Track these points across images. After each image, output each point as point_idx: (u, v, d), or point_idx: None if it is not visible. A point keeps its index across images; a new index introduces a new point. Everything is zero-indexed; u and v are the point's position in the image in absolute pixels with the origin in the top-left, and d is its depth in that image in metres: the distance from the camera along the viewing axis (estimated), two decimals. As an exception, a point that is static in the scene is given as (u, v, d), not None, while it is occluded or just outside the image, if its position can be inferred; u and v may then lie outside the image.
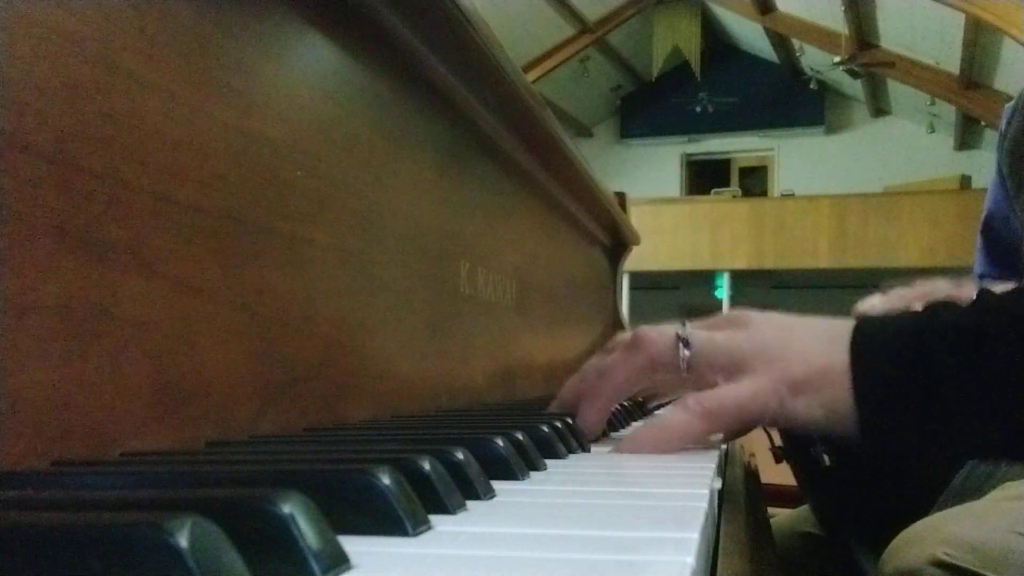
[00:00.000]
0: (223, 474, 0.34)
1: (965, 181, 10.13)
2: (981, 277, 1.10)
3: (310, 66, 0.63)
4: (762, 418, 0.57)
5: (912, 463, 0.86)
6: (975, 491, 0.74)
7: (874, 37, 9.55)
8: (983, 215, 1.08)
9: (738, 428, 0.63)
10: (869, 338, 0.55)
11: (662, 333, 0.61)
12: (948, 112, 10.41)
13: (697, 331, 0.60)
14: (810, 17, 9.56)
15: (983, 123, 9.84)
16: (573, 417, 0.63)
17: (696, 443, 0.58)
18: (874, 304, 0.90)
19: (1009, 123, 1.00)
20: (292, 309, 0.58)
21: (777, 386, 0.55)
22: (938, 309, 0.55)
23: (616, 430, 0.74)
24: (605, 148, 12.35)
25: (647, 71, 11.65)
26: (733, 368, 0.57)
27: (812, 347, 0.56)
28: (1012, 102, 1.02)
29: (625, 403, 0.86)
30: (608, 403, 0.65)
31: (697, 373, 0.59)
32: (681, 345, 0.59)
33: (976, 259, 1.11)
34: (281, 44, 0.58)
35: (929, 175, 10.63)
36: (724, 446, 0.68)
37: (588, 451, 0.60)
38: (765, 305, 0.65)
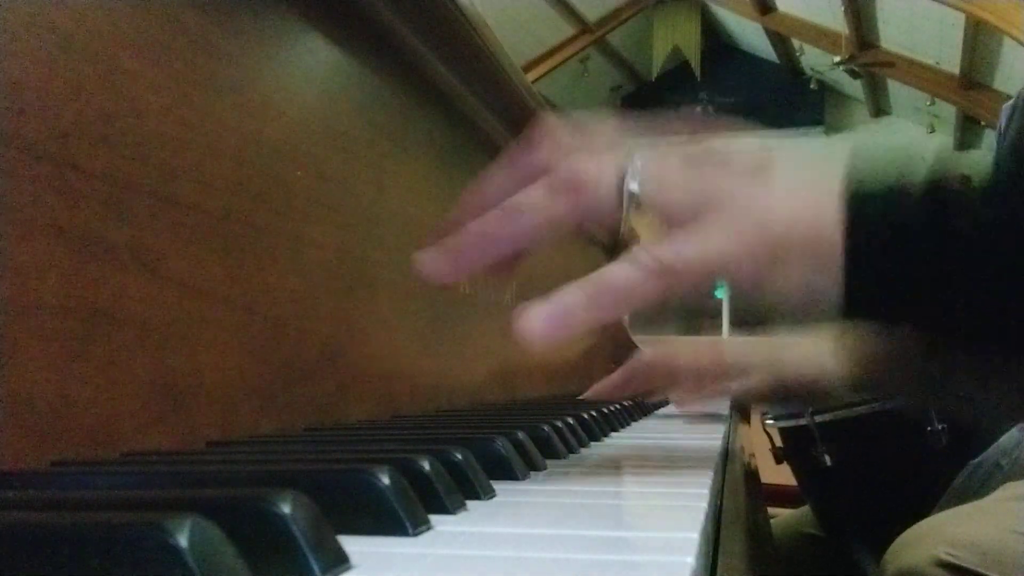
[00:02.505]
0: (223, 474, 0.34)
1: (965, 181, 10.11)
2: None
3: (310, 66, 0.63)
4: (728, 279, 0.43)
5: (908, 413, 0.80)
6: (976, 491, 0.74)
7: (874, 37, 9.55)
8: None
9: (694, 293, 0.44)
10: (867, 194, 0.41)
11: (601, 172, 0.44)
12: (948, 112, 10.40)
13: (647, 173, 0.44)
14: (810, 17, 9.56)
15: (983, 123, 9.83)
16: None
17: (640, 306, 0.43)
18: None
19: (1009, 122, 1.00)
20: (292, 309, 0.58)
21: (753, 246, 0.41)
22: (948, 177, 0.42)
23: (615, 430, 0.74)
24: (605, 148, 12.33)
25: (647, 71, 11.65)
26: (695, 214, 0.43)
27: (798, 195, 0.42)
28: (1011, 101, 1.02)
29: (625, 402, 0.86)
30: (495, 247, 0.46)
31: (642, 219, 0.44)
32: (628, 180, 0.43)
33: None
34: (281, 44, 0.58)
35: (929, 175, 10.60)
36: (725, 445, 0.68)
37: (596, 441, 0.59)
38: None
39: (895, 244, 0.40)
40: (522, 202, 0.45)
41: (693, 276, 0.42)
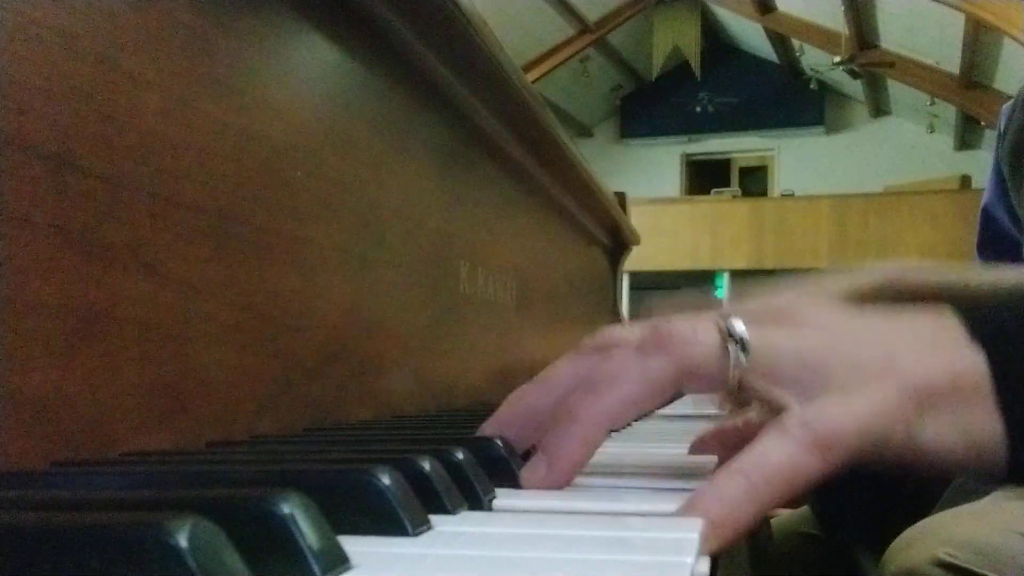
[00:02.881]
0: (223, 474, 0.34)
1: (965, 181, 10.13)
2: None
3: (310, 66, 0.63)
4: (885, 453, 0.38)
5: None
6: (977, 491, 0.74)
7: (874, 37, 9.55)
8: (982, 202, 1.09)
9: (844, 469, 0.38)
10: (998, 327, 0.39)
11: (698, 329, 0.40)
12: (948, 112, 10.41)
13: (751, 329, 0.40)
14: (810, 17, 9.56)
15: (983, 123, 9.83)
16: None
17: (803, 491, 0.37)
18: None
19: (1009, 122, 1.00)
20: (292, 309, 0.58)
21: (902, 401, 0.38)
22: None
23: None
24: (605, 148, 12.35)
25: (647, 71, 11.65)
26: (815, 384, 0.39)
27: (923, 347, 0.39)
28: (1011, 101, 1.02)
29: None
30: (599, 431, 0.41)
31: (751, 389, 0.40)
32: (735, 348, 0.40)
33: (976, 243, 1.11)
34: (281, 44, 0.58)
35: (929, 175, 10.62)
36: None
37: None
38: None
39: None
40: (614, 368, 0.41)
41: (850, 447, 0.37)
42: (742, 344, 0.40)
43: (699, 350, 0.40)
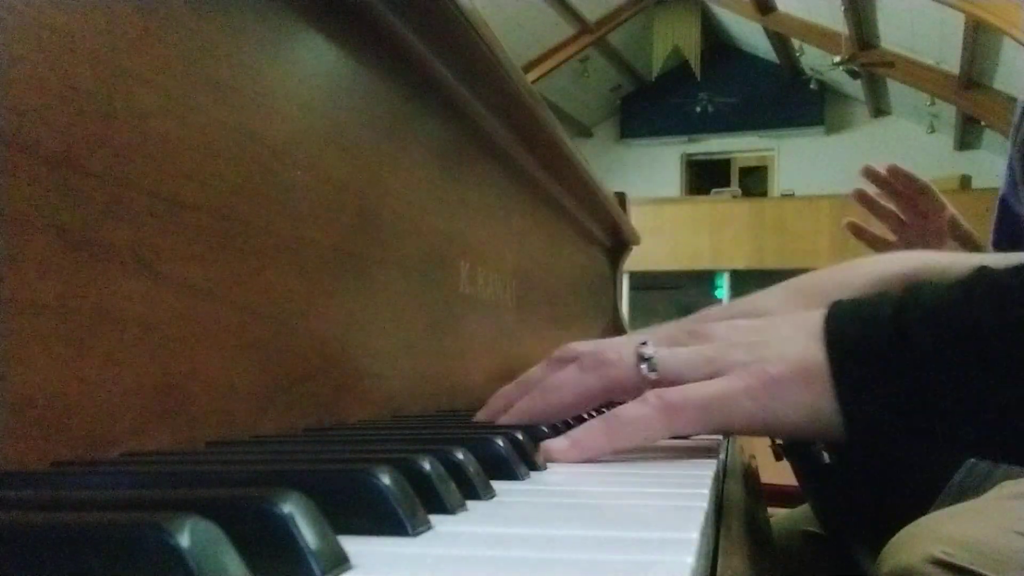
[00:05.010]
0: (223, 474, 0.34)
1: (965, 181, 10.12)
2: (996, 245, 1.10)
3: (310, 66, 0.63)
4: (733, 422, 0.50)
5: (910, 461, 0.82)
6: (974, 490, 0.74)
7: (874, 37, 9.55)
8: (1000, 193, 1.08)
9: (703, 431, 0.53)
10: (843, 327, 0.48)
11: (621, 353, 0.55)
12: (948, 112, 10.41)
13: (660, 349, 0.54)
14: (810, 17, 9.55)
15: (983, 123, 9.84)
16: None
17: (651, 443, 0.52)
18: None
19: (1022, 118, 0.99)
20: (292, 309, 0.58)
21: (751, 386, 0.49)
22: (922, 288, 0.48)
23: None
24: (605, 148, 12.35)
25: (647, 71, 11.65)
26: (703, 375, 0.51)
27: (787, 345, 0.50)
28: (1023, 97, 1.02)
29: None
30: (542, 417, 0.57)
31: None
32: (644, 367, 0.53)
33: (992, 231, 1.11)
34: (281, 44, 0.58)
35: (929, 175, 10.47)
36: (725, 446, 0.68)
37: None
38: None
39: (870, 360, 0.47)
40: (560, 379, 0.57)
41: (694, 414, 0.50)
42: (650, 363, 0.53)
43: (619, 370, 0.54)
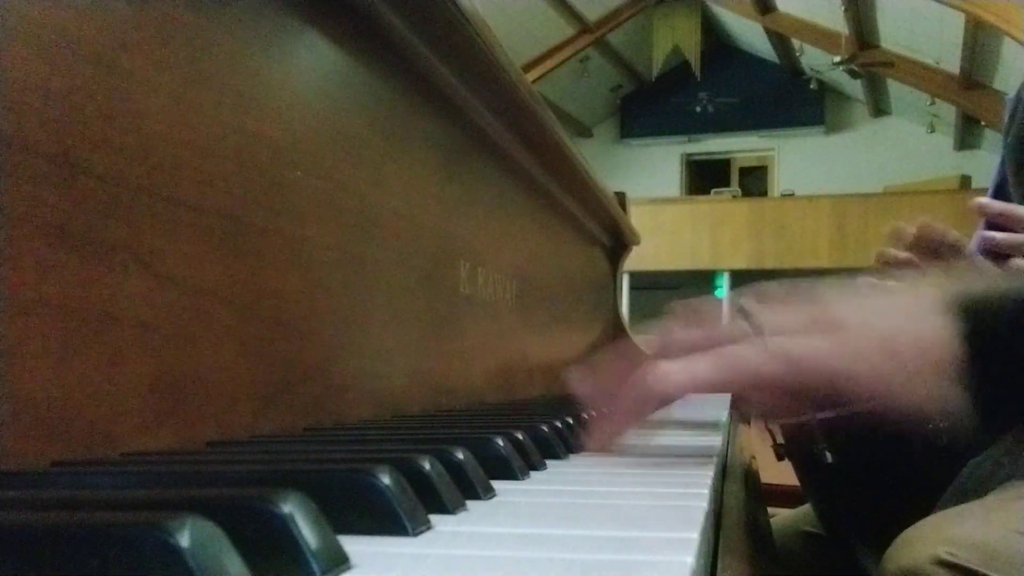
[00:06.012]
0: (223, 474, 0.34)
1: (965, 181, 10.13)
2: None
3: (310, 66, 0.63)
4: (846, 387, 0.46)
5: (913, 461, 0.81)
6: (978, 490, 0.74)
7: (874, 37, 9.55)
8: (989, 192, 1.08)
9: (811, 399, 0.49)
10: (978, 302, 0.44)
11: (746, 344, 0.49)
12: (948, 112, 10.41)
13: (760, 300, 0.50)
14: (810, 17, 9.56)
15: (983, 123, 9.84)
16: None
17: (749, 382, 0.48)
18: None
19: (1012, 115, 0.99)
20: (292, 309, 0.58)
21: (864, 348, 0.45)
22: None
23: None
24: (605, 148, 12.35)
25: (647, 71, 11.65)
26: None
27: (897, 311, 0.46)
28: (1015, 93, 1.02)
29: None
30: (713, 387, 0.50)
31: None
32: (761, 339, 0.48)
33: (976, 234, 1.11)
34: (281, 44, 0.58)
35: (929, 175, 10.62)
36: (725, 446, 0.68)
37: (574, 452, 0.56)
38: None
39: (1011, 348, 0.43)
40: (744, 354, 0.50)
41: (809, 370, 0.46)
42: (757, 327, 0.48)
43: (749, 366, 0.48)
